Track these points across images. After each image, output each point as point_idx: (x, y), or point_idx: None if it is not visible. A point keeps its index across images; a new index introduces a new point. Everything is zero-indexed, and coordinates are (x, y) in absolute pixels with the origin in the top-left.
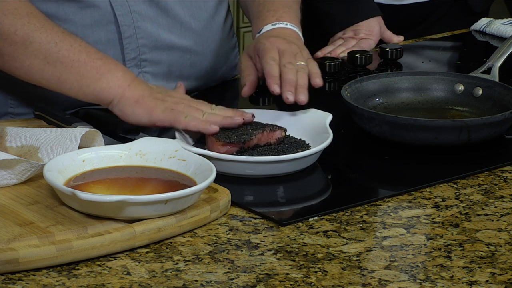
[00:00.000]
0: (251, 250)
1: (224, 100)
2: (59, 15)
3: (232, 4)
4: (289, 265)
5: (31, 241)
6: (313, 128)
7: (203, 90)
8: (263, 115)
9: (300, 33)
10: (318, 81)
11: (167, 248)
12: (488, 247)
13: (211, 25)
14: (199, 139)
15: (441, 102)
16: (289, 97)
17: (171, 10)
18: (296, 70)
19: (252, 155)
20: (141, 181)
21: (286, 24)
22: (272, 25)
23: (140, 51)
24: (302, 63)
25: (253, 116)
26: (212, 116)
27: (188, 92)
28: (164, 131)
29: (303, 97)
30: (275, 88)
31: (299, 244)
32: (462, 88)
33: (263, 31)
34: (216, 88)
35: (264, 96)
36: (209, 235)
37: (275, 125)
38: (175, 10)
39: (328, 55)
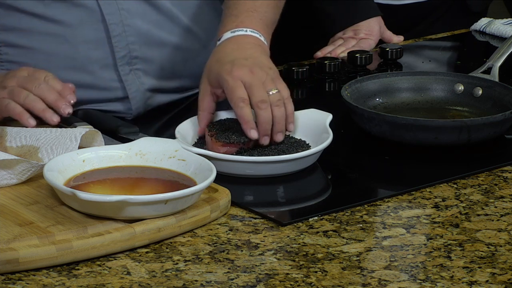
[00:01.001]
0: (251, 250)
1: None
2: (47, 15)
3: None
4: (289, 265)
5: (31, 241)
6: (313, 128)
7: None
8: None
9: (262, 38)
10: (290, 127)
11: (167, 248)
12: (488, 247)
13: (202, 20)
14: (199, 139)
15: (441, 102)
16: (265, 142)
17: (160, 6)
18: (270, 105)
19: (252, 155)
20: (141, 181)
21: (246, 31)
22: (232, 32)
23: (130, 48)
24: (273, 91)
25: (68, 113)
26: (32, 102)
27: (185, 90)
28: (164, 131)
29: (280, 137)
30: (252, 134)
31: (299, 244)
32: (462, 88)
33: (222, 39)
34: None
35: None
36: (209, 235)
37: None
38: (165, 6)
39: (328, 55)
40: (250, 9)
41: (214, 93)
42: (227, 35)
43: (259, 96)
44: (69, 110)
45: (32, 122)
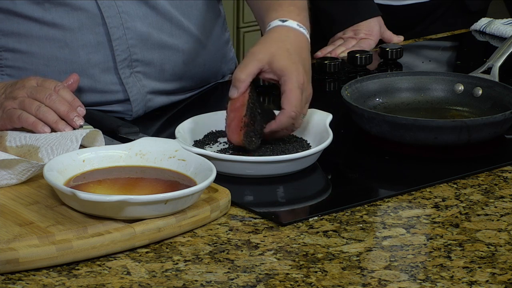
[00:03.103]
0: (251, 250)
1: (224, 101)
2: (46, 19)
3: (232, 4)
4: (289, 265)
5: (31, 241)
6: (313, 128)
7: (201, 91)
8: None
9: (307, 34)
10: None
11: (167, 248)
12: (488, 247)
13: (202, 21)
14: (197, 141)
15: (441, 102)
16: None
17: (160, 8)
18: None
19: (252, 155)
20: (141, 181)
21: (299, 25)
22: (281, 21)
23: (131, 51)
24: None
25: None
26: (44, 114)
27: (185, 91)
28: (164, 131)
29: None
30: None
31: (299, 244)
32: (462, 88)
33: (272, 25)
34: (215, 89)
35: (264, 96)
36: (209, 235)
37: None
38: (165, 8)
39: (328, 55)
40: (292, 4)
41: (261, 68)
42: (276, 22)
43: (300, 109)
44: (81, 122)
45: (47, 129)
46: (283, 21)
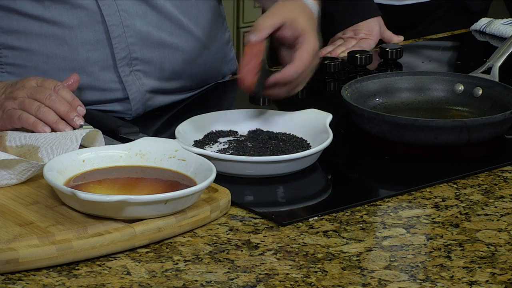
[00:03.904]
0: (251, 250)
1: (224, 101)
2: (46, 17)
3: (232, 4)
4: (289, 265)
5: (31, 241)
6: (313, 128)
7: (201, 91)
8: (263, 115)
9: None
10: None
11: (167, 248)
12: (488, 247)
13: (202, 20)
14: (197, 141)
15: (441, 102)
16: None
17: (160, 7)
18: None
19: (252, 155)
20: (141, 181)
21: None
22: None
23: (130, 49)
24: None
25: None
26: (44, 114)
27: (184, 89)
28: (164, 131)
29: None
30: (275, 78)
31: (299, 244)
32: (462, 88)
33: None
34: (215, 89)
35: (264, 96)
36: (209, 235)
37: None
38: (165, 7)
39: (328, 55)
40: None
41: (280, 24)
42: None
43: (307, 70)
44: (81, 122)
45: (47, 130)
46: None
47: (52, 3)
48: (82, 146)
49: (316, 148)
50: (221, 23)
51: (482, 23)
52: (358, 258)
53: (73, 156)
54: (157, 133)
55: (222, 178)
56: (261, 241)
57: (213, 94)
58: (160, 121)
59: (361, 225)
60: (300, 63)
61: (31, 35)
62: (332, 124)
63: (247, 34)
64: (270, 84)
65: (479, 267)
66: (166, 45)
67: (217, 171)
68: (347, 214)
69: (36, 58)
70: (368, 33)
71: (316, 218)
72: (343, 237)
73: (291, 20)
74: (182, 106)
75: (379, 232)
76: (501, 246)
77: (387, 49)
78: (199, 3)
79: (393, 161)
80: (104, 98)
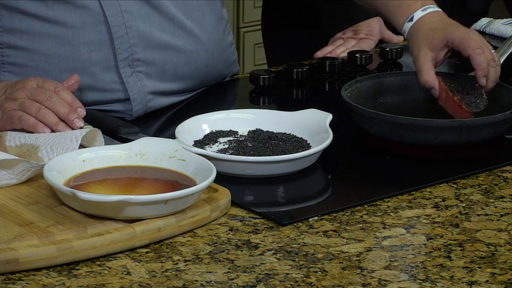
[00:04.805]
0: (251, 250)
1: (224, 101)
2: (49, 16)
3: (232, 5)
4: (289, 265)
5: (31, 241)
6: (313, 128)
7: (201, 92)
8: (263, 115)
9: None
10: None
11: (167, 248)
12: (488, 247)
13: (205, 22)
14: (197, 141)
15: None
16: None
17: (163, 8)
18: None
19: (252, 155)
20: (141, 181)
21: (434, 8)
22: (422, 10)
23: (132, 50)
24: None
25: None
26: (44, 115)
27: (185, 91)
28: (164, 131)
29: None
30: (482, 81)
31: (299, 244)
32: None
33: (415, 18)
34: (216, 89)
35: (264, 96)
36: (209, 235)
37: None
38: (167, 9)
39: (328, 55)
40: None
41: (434, 58)
42: (419, 13)
43: (490, 55)
44: (81, 124)
45: (47, 131)
46: (424, 10)
47: (55, 2)
48: (82, 146)
49: (316, 148)
50: (224, 26)
51: (482, 23)
52: (358, 258)
53: (73, 156)
54: (157, 133)
55: (222, 178)
56: (261, 241)
57: (213, 94)
58: (160, 121)
59: (361, 225)
60: (476, 54)
61: (33, 34)
62: (332, 124)
63: (430, 91)
64: (486, 86)
65: (479, 267)
66: (168, 46)
67: (217, 171)
68: (347, 214)
69: (38, 58)
70: (368, 33)
71: (316, 218)
72: (343, 237)
73: (431, 47)
74: (182, 106)
75: (379, 232)
76: (501, 246)
77: (387, 49)
78: (202, 5)
79: (393, 161)
80: (105, 98)
